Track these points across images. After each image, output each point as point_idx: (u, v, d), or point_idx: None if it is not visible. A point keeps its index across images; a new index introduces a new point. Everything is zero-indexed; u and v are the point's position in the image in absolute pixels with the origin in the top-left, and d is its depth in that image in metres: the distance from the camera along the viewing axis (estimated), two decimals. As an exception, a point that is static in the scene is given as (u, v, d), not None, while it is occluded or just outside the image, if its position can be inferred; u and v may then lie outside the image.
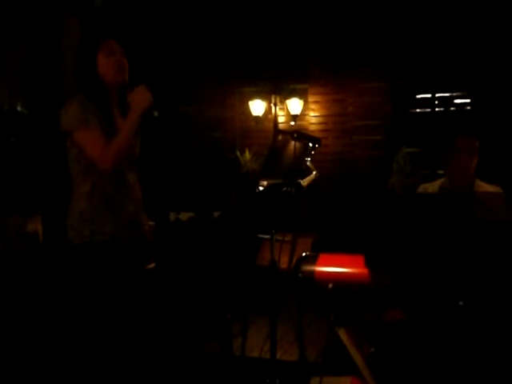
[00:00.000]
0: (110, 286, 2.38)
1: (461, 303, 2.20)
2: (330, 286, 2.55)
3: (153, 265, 3.95)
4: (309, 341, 3.38)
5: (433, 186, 3.41)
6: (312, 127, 6.45)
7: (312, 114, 6.50)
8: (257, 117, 6.53)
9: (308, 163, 2.82)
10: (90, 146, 2.31)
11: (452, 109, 6.13)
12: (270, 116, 6.58)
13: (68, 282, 2.51)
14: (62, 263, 2.57)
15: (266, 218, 2.76)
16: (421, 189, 3.49)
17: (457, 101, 6.16)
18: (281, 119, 6.61)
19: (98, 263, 2.36)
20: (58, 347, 3.46)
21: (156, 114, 2.40)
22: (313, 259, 2.74)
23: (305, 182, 2.75)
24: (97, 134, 2.31)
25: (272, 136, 6.13)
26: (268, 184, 2.71)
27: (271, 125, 6.53)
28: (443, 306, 2.28)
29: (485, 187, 3.21)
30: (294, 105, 6.35)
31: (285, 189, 2.66)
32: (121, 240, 2.40)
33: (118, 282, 2.40)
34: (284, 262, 2.82)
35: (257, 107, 6.51)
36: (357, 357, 2.50)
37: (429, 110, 6.19)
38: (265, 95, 6.52)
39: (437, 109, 6.16)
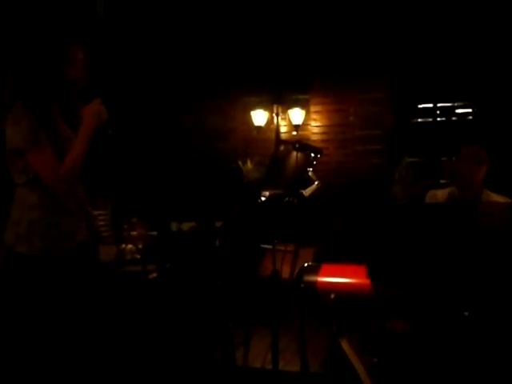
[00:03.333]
0: (58, 299, 2.27)
1: (466, 314, 2.20)
2: (332, 296, 2.55)
3: (155, 275, 3.96)
4: (311, 351, 3.36)
5: (442, 193, 3.40)
6: (314, 137, 6.46)
7: (314, 123, 6.51)
8: (259, 127, 6.54)
9: (310, 173, 2.83)
10: (43, 168, 2.21)
11: (454, 119, 6.15)
12: (271, 126, 6.60)
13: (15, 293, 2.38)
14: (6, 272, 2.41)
15: (268, 228, 2.76)
16: (430, 194, 3.48)
17: (458, 111, 6.18)
18: (283, 129, 6.63)
19: (48, 278, 2.25)
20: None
21: (110, 132, 2.30)
22: (315, 269, 2.74)
23: (307, 192, 2.75)
24: (48, 153, 2.21)
25: (274, 146, 6.14)
26: (270, 194, 2.71)
27: (273, 135, 6.54)
28: (447, 316, 2.27)
29: (493, 197, 3.21)
30: (296, 115, 6.37)
31: (287, 199, 2.67)
32: (70, 249, 2.30)
33: (67, 295, 2.29)
34: (286, 272, 2.81)
35: (259, 117, 6.52)
36: (359, 367, 2.49)
37: (430, 119, 6.21)
38: (267, 105, 6.55)
39: (438, 118, 6.17)
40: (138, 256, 4.31)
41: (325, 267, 2.75)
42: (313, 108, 6.51)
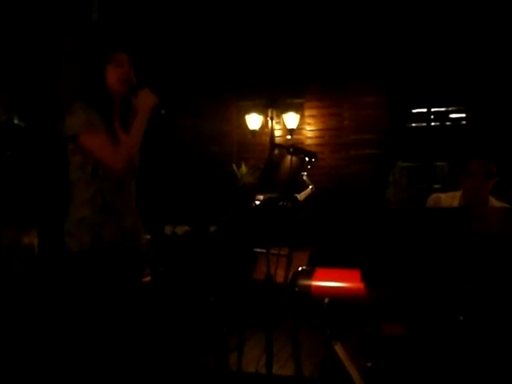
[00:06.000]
0: (109, 294, 2.37)
1: (461, 318, 2.20)
2: (327, 300, 2.55)
3: (149, 278, 3.94)
4: (305, 355, 3.36)
5: (446, 198, 3.27)
6: (308, 141, 6.47)
7: (308, 128, 6.52)
8: (253, 130, 6.55)
9: (304, 177, 2.83)
10: (100, 147, 2.31)
11: (447, 123, 6.17)
12: (266, 130, 6.60)
13: (67, 290, 2.49)
14: (61, 271, 2.53)
15: (263, 232, 2.75)
16: (433, 197, 3.32)
17: (452, 115, 6.21)
18: (277, 133, 6.63)
19: (98, 270, 2.35)
20: (55, 358, 3.44)
21: (163, 111, 2.43)
22: (309, 273, 2.74)
23: (301, 196, 2.76)
24: (104, 135, 2.32)
25: (268, 150, 6.15)
26: (264, 198, 2.71)
27: (268, 139, 6.55)
28: (442, 320, 2.27)
29: (496, 204, 3.13)
30: (291, 119, 6.38)
31: (281, 203, 2.66)
32: (119, 248, 2.38)
33: (117, 289, 2.38)
34: (280, 276, 2.81)
35: (253, 121, 6.53)
36: (353, 371, 2.49)
37: (424, 124, 6.23)
38: (261, 109, 6.55)
39: (432, 123, 6.20)
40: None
41: (319, 271, 2.75)
42: (307, 112, 6.52)
